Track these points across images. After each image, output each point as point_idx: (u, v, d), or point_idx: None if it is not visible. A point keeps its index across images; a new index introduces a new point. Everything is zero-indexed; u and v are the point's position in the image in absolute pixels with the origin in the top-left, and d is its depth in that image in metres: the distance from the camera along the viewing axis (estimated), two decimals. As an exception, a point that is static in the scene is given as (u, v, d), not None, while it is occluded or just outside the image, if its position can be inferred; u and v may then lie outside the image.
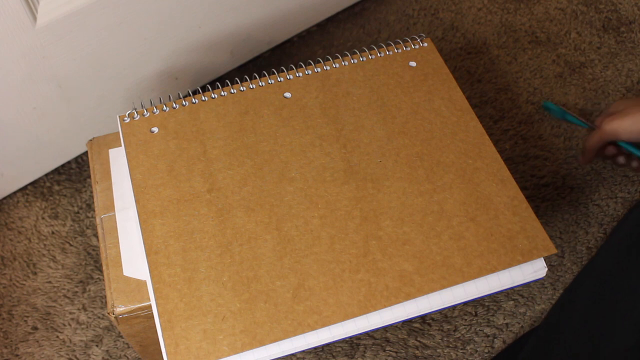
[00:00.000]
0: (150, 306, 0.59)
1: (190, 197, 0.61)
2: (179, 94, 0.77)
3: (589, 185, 0.91)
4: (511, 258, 0.59)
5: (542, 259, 0.60)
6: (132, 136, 0.64)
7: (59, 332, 0.83)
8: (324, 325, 0.55)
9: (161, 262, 0.57)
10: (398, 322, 0.58)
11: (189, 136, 0.64)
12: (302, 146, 0.64)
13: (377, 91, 0.68)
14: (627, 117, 0.71)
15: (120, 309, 0.59)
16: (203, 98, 0.67)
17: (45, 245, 0.88)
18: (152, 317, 0.59)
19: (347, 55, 0.71)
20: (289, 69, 0.70)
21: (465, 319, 0.83)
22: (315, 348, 0.77)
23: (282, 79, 0.69)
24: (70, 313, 0.84)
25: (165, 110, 0.66)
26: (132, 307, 0.59)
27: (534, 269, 0.59)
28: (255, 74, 0.68)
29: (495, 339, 0.82)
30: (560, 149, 0.95)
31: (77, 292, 0.85)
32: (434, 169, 0.63)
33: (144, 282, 0.60)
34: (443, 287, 0.57)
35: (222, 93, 0.67)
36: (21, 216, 0.91)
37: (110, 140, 0.69)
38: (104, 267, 0.61)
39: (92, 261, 0.87)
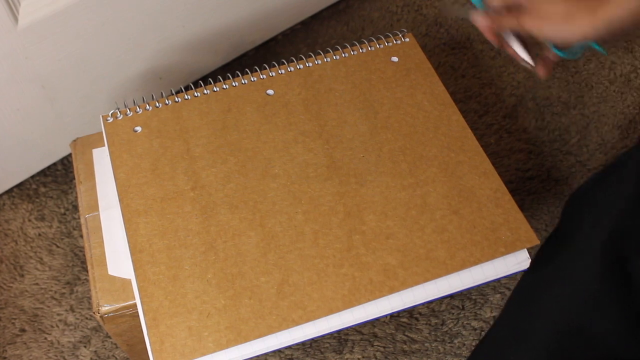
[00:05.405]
0: (135, 305, 0.59)
1: (174, 195, 0.61)
2: (162, 93, 0.77)
3: (574, 177, 0.92)
4: (494, 250, 0.59)
5: (526, 250, 0.60)
6: (116, 136, 0.64)
7: (47, 333, 0.83)
8: (308, 320, 0.55)
9: (146, 261, 0.57)
10: (383, 316, 0.59)
11: (172, 135, 0.64)
12: (285, 143, 0.64)
13: (360, 87, 0.69)
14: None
15: (105, 308, 0.59)
16: (186, 97, 0.67)
17: (32, 247, 0.88)
18: (138, 315, 0.59)
19: (330, 52, 0.71)
20: (271, 66, 0.70)
21: (453, 313, 0.83)
22: (302, 344, 0.78)
23: (264, 76, 0.69)
24: (58, 314, 0.84)
25: (148, 110, 0.66)
26: (118, 306, 0.59)
27: (518, 261, 0.60)
28: (238, 72, 0.68)
29: (482, 332, 0.82)
30: (545, 141, 0.95)
31: (64, 293, 0.85)
32: (417, 163, 0.64)
33: (129, 281, 0.60)
34: (427, 280, 0.58)
35: (205, 91, 0.67)
36: (7, 218, 0.90)
37: (94, 140, 0.69)
38: (89, 267, 0.61)
39: (79, 262, 0.87)
